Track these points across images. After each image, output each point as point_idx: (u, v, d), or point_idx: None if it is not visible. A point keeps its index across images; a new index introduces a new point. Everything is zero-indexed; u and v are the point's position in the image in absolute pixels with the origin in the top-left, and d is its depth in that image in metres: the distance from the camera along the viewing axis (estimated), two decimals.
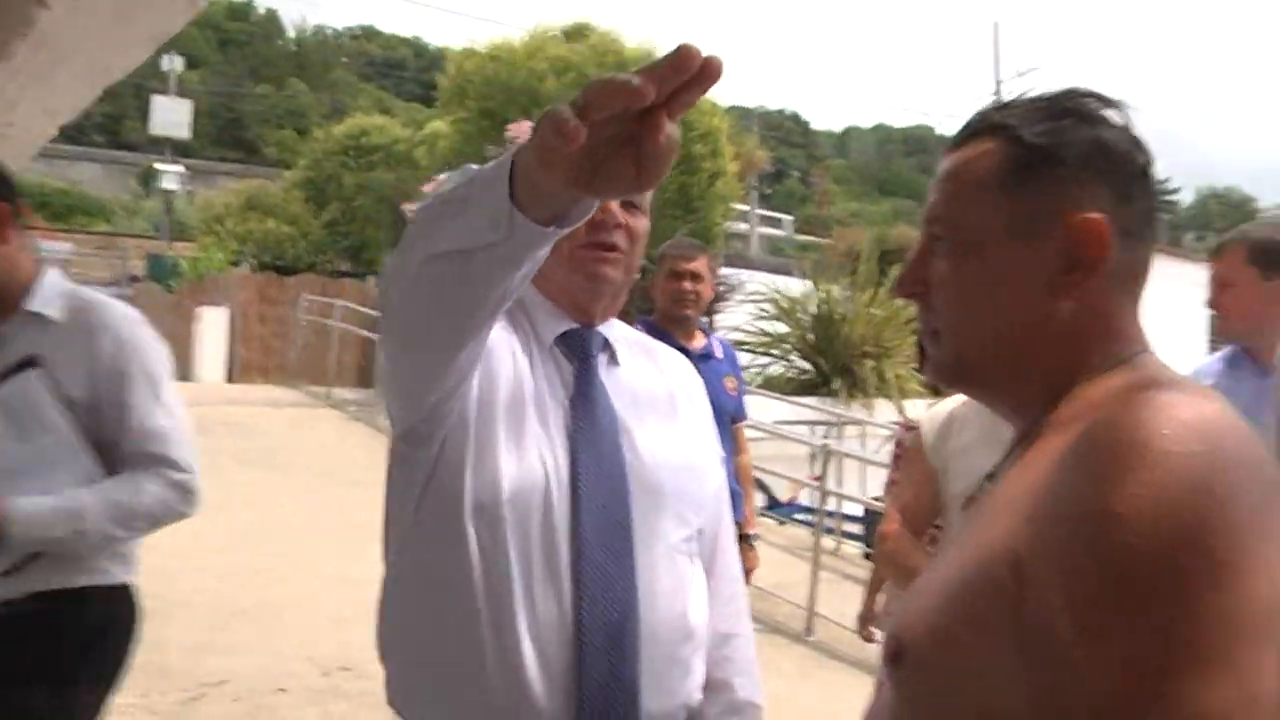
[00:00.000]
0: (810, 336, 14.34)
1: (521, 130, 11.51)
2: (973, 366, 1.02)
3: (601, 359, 1.60)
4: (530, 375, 1.52)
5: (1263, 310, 2.60)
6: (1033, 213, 0.97)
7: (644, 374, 1.65)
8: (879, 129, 77.18)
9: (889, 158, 72.14)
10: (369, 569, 6.41)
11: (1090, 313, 0.96)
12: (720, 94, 19.04)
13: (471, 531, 1.43)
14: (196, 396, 12.56)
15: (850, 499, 8.14)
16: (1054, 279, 0.96)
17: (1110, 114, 0.99)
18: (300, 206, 18.82)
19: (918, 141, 73.27)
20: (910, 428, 3.76)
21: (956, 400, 2.55)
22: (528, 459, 1.46)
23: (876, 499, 7.65)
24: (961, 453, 2.42)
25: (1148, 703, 0.74)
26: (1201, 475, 0.78)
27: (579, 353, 1.57)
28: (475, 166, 1.15)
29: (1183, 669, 0.74)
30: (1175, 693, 0.74)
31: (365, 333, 13.89)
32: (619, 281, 1.58)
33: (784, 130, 61.26)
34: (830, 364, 14.03)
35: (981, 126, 1.03)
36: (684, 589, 1.54)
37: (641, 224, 1.58)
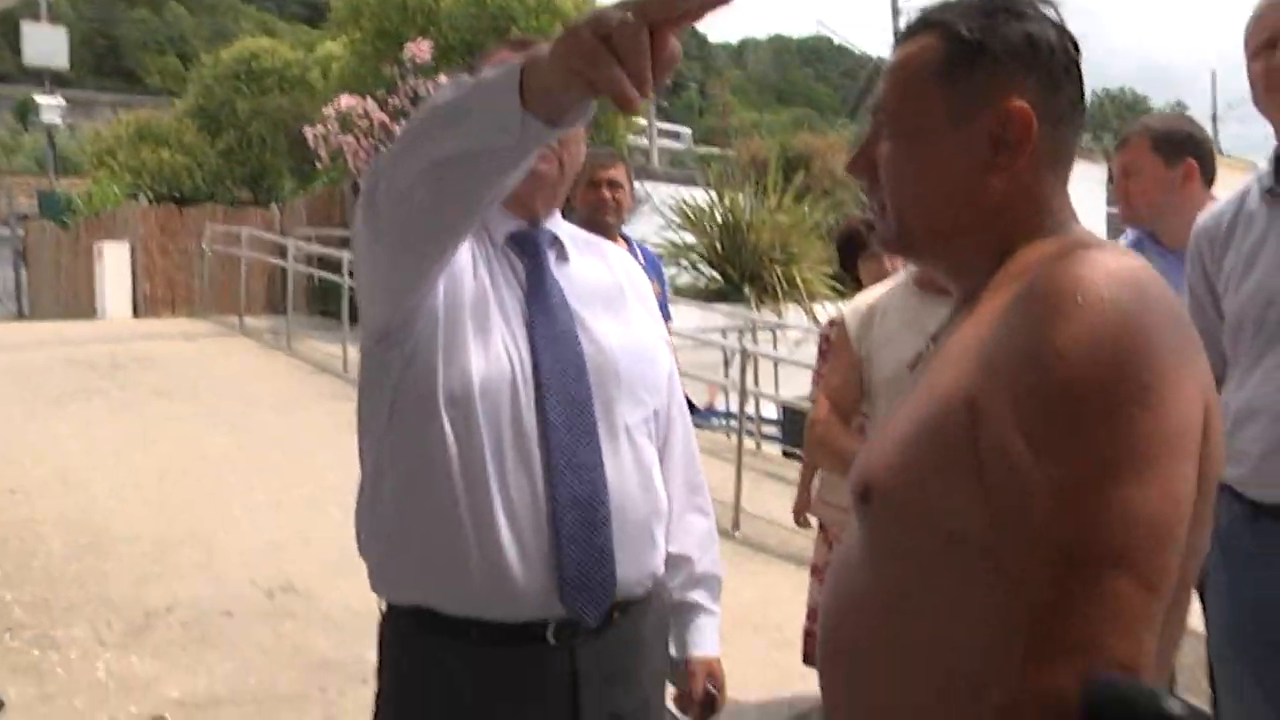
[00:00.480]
0: (718, 245, 14.45)
1: (420, 50, 11.21)
2: (916, 237, 1.15)
3: (551, 255, 1.68)
4: (488, 273, 1.61)
5: (1165, 194, 2.78)
6: (966, 101, 1.08)
7: (593, 267, 1.74)
8: (775, 40, 76.77)
9: (786, 68, 71.92)
10: (299, 493, 6.55)
11: (1021, 190, 1.09)
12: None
13: (446, 424, 1.52)
14: (106, 333, 12.30)
15: (768, 397, 8.34)
16: (986, 160, 1.08)
17: (1041, 9, 1.09)
18: (194, 136, 18.17)
19: (814, 52, 73.15)
20: (834, 323, 3.93)
21: (877, 291, 2.69)
22: (494, 351, 1.55)
23: (800, 397, 7.89)
24: (885, 341, 2.55)
25: (1089, 505, 0.88)
26: (1129, 316, 0.91)
27: (530, 250, 1.66)
28: (467, 77, 1.24)
29: (1119, 477, 0.88)
30: (1114, 497, 0.87)
31: (273, 260, 13.64)
32: (554, 177, 1.65)
33: (681, 43, 60.53)
34: (739, 271, 14.19)
35: (923, 23, 1.13)
36: (646, 466, 1.66)
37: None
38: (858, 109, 33.19)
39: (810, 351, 9.91)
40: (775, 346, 11.49)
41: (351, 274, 12.25)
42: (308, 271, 12.93)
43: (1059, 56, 1.09)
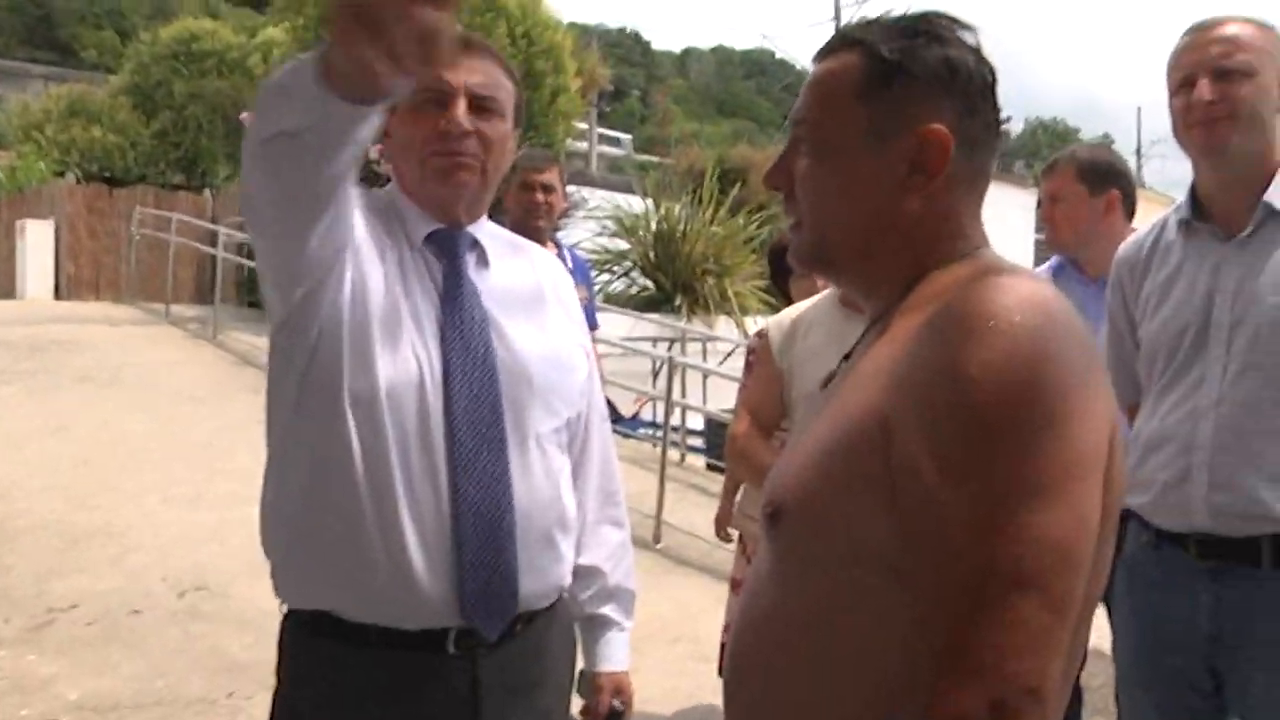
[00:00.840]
0: (652, 254, 14.48)
1: None
2: (830, 254, 1.15)
3: (470, 258, 1.66)
4: (400, 275, 1.59)
5: (1089, 222, 2.85)
6: (885, 121, 1.09)
7: (514, 271, 1.72)
8: (719, 50, 77.28)
9: (728, 79, 72.41)
10: (217, 487, 6.42)
11: (935, 212, 1.10)
12: (562, 9, 18.75)
13: (351, 423, 1.50)
14: (25, 314, 11.99)
15: (694, 409, 8.35)
16: (902, 181, 1.09)
17: (961, 35, 1.11)
18: (128, 114, 17.76)
19: (756, 64, 73.73)
20: (762, 335, 3.94)
21: (802, 306, 2.70)
22: (402, 353, 1.53)
23: (726, 410, 7.89)
24: (809, 356, 2.57)
25: (1000, 529, 0.90)
26: (1037, 342, 0.93)
27: (447, 252, 1.64)
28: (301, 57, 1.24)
29: (1026, 499, 0.90)
30: (1023, 521, 0.89)
31: (203, 248, 13.39)
32: (474, 186, 1.63)
33: (624, 49, 60.67)
34: (671, 281, 14.23)
35: (845, 41, 1.14)
36: (555, 476, 1.64)
37: (498, 128, 1.62)
38: None
39: (739, 364, 9.98)
40: (705, 358, 11.51)
41: None
42: (238, 261, 12.74)
43: (976, 81, 1.10)
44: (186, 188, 17.32)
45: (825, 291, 2.73)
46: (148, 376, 9.26)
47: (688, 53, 76.91)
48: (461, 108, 1.57)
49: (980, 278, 1.01)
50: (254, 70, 16.82)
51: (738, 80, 72.69)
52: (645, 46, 71.50)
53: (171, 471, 6.62)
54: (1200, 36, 2.06)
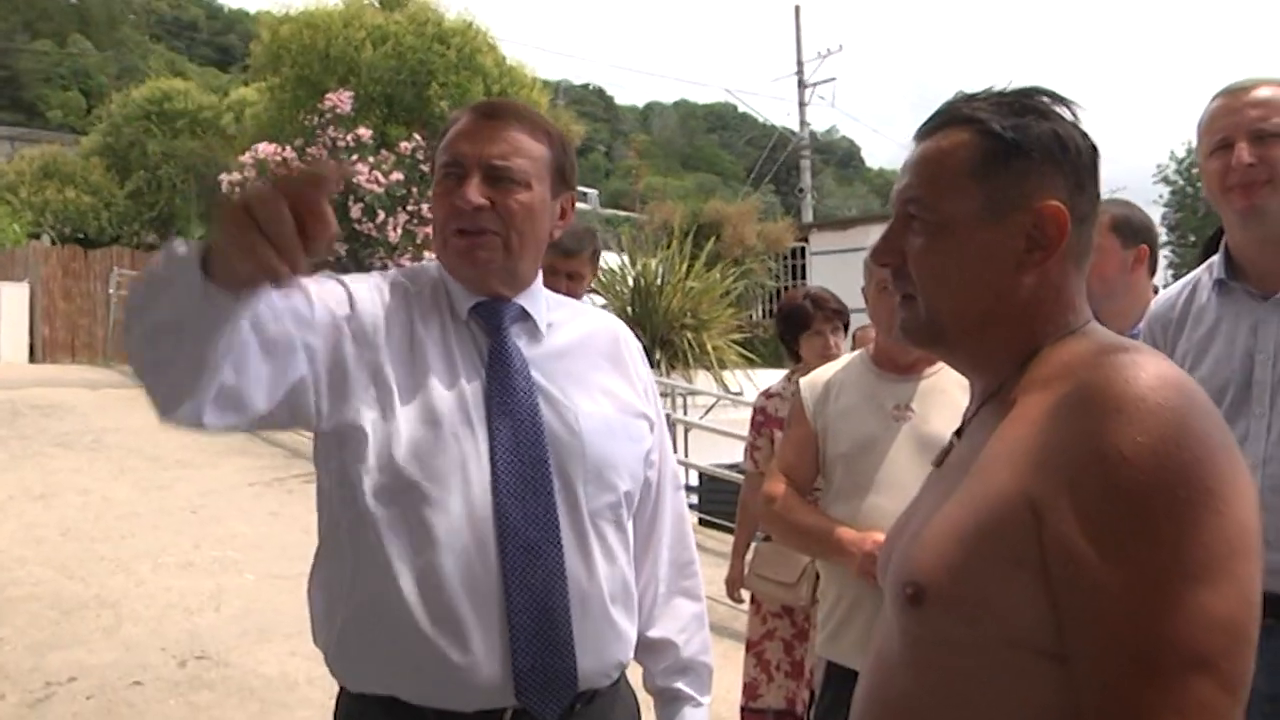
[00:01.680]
0: (630, 309, 14.50)
1: (340, 100, 11.12)
2: (944, 331, 1.16)
3: (518, 329, 1.62)
4: (443, 351, 1.56)
5: (1119, 273, 2.87)
6: (1001, 198, 1.10)
7: (573, 339, 1.68)
8: (681, 105, 78.02)
9: (691, 133, 73.08)
10: (207, 554, 6.30)
11: (1049, 287, 1.11)
12: (535, 67, 18.94)
13: (394, 509, 1.47)
14: (2, 378, 11.80)
15: (691, 465, 8.31)
16: (1020, 258, 1.10)
17: (1060, 110, 1.13)
18: (101, 175, 17.72)
19: (719, 118, 74.49)
20: (770, 395, 3.95)
21: (833, 368, 2.71)
22: (441, 434, 1.50)
23: (718, 465, 7.88)
24: (841, 416, 2.58)
25: (1169, 610, 0.89)
26: (1187, 421, 0.94)
27: (493, 325, 1.60)
28: (180, 243, 1.23)
29: (1193, 579, 0.90)
30: (1190, 601, 0.89)
31: None
32: (498, 261, 1.57)
33: (588, 104, 61.24)
34: (650, 336, 14.21)
35: (954, 119, 1.15)
36: (611, 550, 1.59)
37: (520, 198, 1.57)
38: (761, 179, 33.79)
39: (721, 419, 9.95)
40: (685, 413, 11.51)
41: None
42: None
43: (1085, 157, 1.13)
44: (160, 247, 17.24)
45: (855, 352, 2.75)
46: (129, 441, 9.13)
47: (650, 107, 77.69)
48: (474, 182, 1.54)
49: (1110, 355, 1.02)
50: (226, 129, 16.84)
51: (701, 134, 73.45)
52: (609, 101, 72.20)
53: (160, 538, 6.52)
54: (1235, 100, 2.10)
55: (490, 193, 1.55)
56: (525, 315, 1.63)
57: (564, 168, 1.65)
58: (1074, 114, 1.15)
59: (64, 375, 12.73)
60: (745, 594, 3.83)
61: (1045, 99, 1.14)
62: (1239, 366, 2.08)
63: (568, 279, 3.58)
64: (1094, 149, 1.14)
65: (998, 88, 1.18)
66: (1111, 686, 0.91)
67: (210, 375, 1.28)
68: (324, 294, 1.50)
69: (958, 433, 1.22)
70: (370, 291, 1.56)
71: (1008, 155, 1.10)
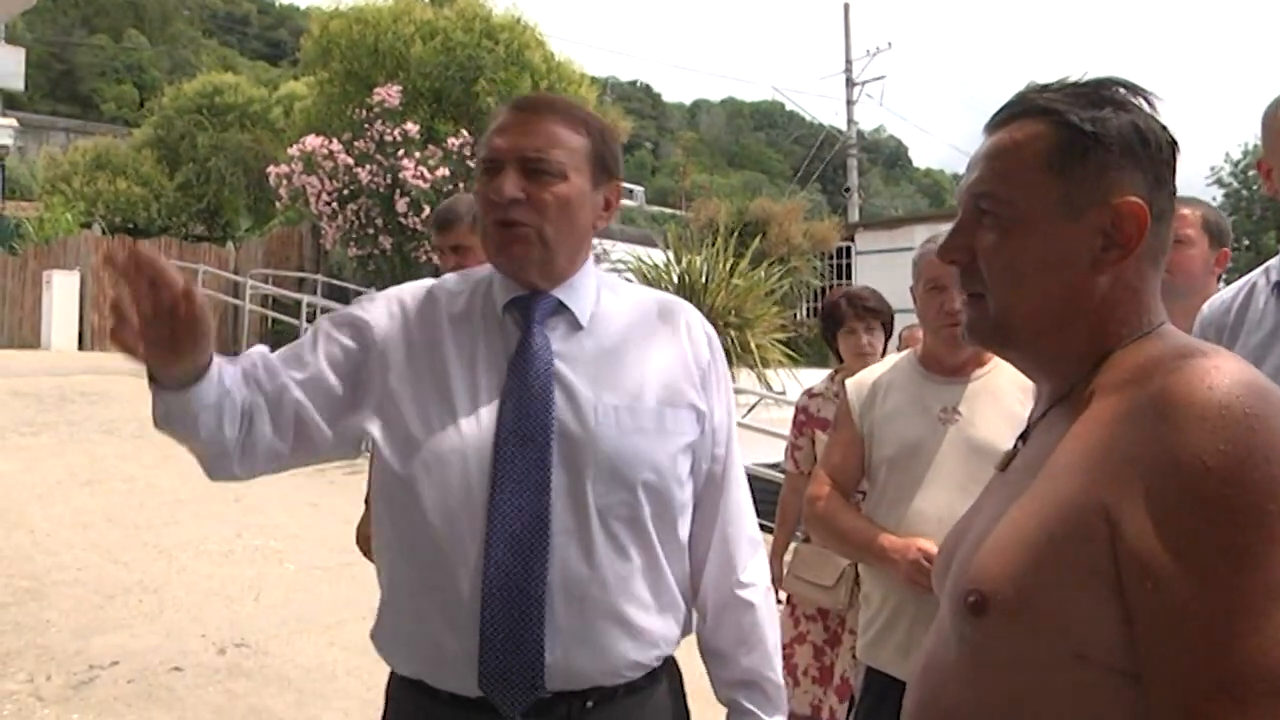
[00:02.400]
0: None
1: (389, 95, 11.23)
2: (1014, 332, 1.10)
3: (554, 321, 1.61)
4: (468, 348, 1.60)
5: (1203, 272, 2.79)
6: (1080, 194, 1.05)
7: (617, 330, 1.65)
8: (728, 102, 77.82)
9: (738, 131, 72.83)
10: (249, 542, 6.34)
11: (1125, 286, 1.06)
12: (582, 64, 19.01)
13: (401, 498, 1.54)
14: (53, 365, 12.01)
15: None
16: (1096, 256, 1.05)
17: (1139, 101, 1.07)
18: (152, 167, 17.97)
19: (766, 116, 74.27)
20: (813, 395, 3.91)
21: (880, 368, 2.66)
22: (447, 426, 1.54)
23: (759, 465, 7.82)
24: (887, 419, 2.52)
25: (1255, 630, 0.85)
26: (1271, 431, 0.89)
27: (525, 317, 1.60)
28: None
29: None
30: (1277, 621, 0.85)
31: (227, 299, 13.44)
32: (535, 254, 1.57)
33: (635, 101, 61.28)
34: None
35: (1026, 108, 1.10)
36: (624, 549, 1.55)
37: (556, 190, 1.56)
38: (808, 177, 33.63)
39: (763, 418, 9.88)
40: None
41: (308, 317, 12.14)
42: (261, 312, 12.76)
43: (1164, 151, 1.07)
44: (209, 239, 17.46)
45: (904, 353, 2.70)
46: None
47: (698, 105, 77.56)
48: (510, 176, 1.55)
49: (1189, 358, 0.97)
50: (275, 123, 17.01)
51: (748, 132, 73.23)
52: (656, 99, 72.21)
53: (202, 526, 6.58)
54: None
55: (526, 185, 1.55)
56: (562, 308, 1.62)
57: (605, 157, 1.63)
58: (1152, 105, 1.09)
59: (111, 363, 12.86)
60: (782, 595, 3.79)
61: (1122, 89, 1.09)
62: None
63: (454, 253, 3.35)
64: (1173, 142, 1.09)
65: (1071, 78, 1.12)
66: (1192, 711, 0.86)
67: (217, 445, 1.49)
68: (334, 330, 1.64)
69: (1023, 436, 1.17)
70: (384, 307, 1.65)
71: (1085, 148, 1.05)
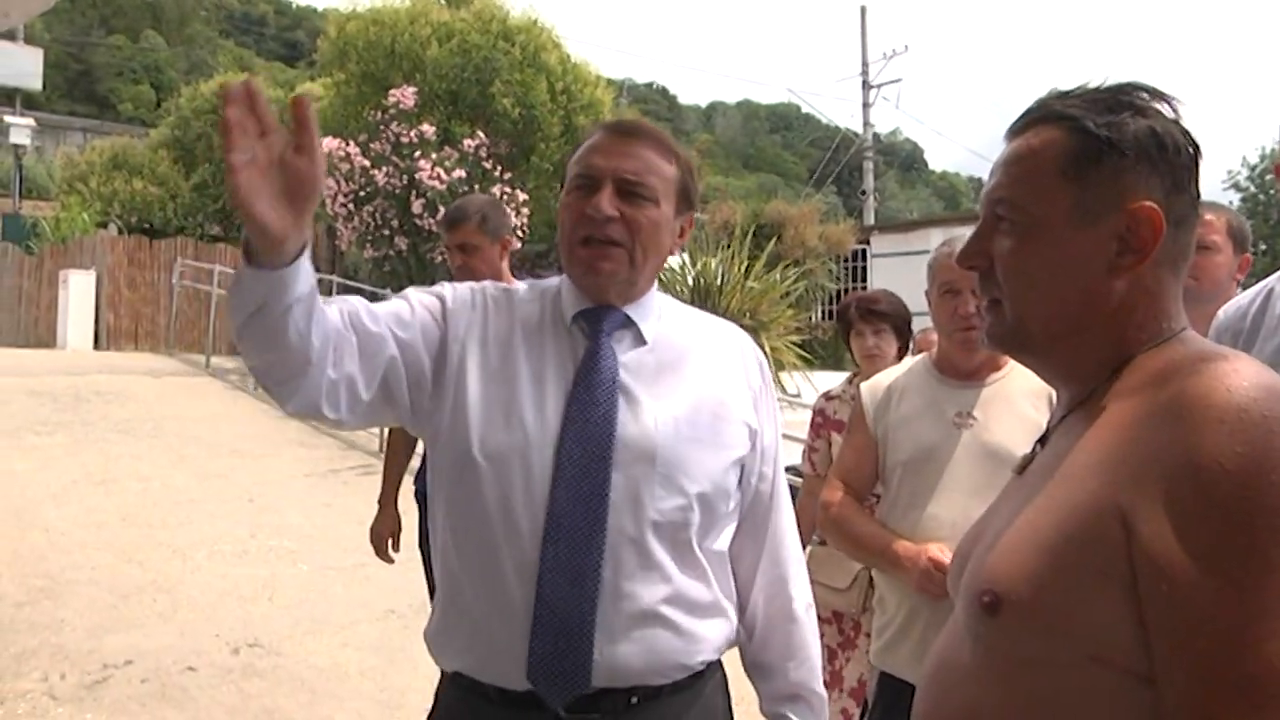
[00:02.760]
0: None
1: (405, 96, 11.28)
2: (1032, 338, 1.11)
3: (620, 334, 1.66)
4: (537, 352, 1.64)
5: (1227, 278, 2.77)
6: (1095, 199, 1.05)
7: (679, 347, 1.70)
8: (744, 105, 77.71)
9: (754, 134, 72.72)
10: (263, 543, 6.38)
11: (1142, 292, 1.06)
12: (598, 66, 19.04)
13: (460, 490, 1.58)
14: (68, 365, 12.07)
15: None
16: (1112, 261, 1.05)
17: (1159, 106, 1.07)
18: (168, 167, 18.03)
19: (781, 118, 74.12)
20: (830, 397, 3.90)
21: (895, 372, 2.65)
22: (512, 424, 1.57)
23: (787, 468, 7.77)
24: (902, 423, 2.51)
25: (1272, 638, 0.85)
26: None
27: (592, 329, 1.65)
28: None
29: None
30: None
31: None
32: (622, 273, 1.63)
33: (651, 103, 61.25)
34: None
35: (1044, 115, 1.10)
36: (679, 553, 1.60)
37: (649, 214, 1.62)
38: (823, 180, 33.57)
39: (782, 419, 9.88)
40: None
41: None
42: None
43: (1183, 156, 1.07)
44: (225, 239, 17.52)
45: (919, 357, 2.69)
46: (189, 429, 9.27)
47: (713, 107, 77.48)
48: (607, 194, 1.60)
49: (1209, 361, 0.97)
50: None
51: (763, 135, 73.12)
52: (672, 100, 72.17)
53: (217, 526, 6.60)
54: None
55: (621, 206, 1.61)
56: (629, 322, 1.67)
57: (688, 189, 1.70)
58: (1175, 110, 1.08)
59: (127, 363, 12.97)
60: None
61: (1144, 95, 1.09)
62: None
63: (461, 251, 3.34)
64: (1195, 147, 1.08)
65: (1094, 83, 1.12)
66: (1207, 715, 0.86)
67: (303, 354, 1.42)
68: (426, 301, 1.65)
69: (1041, 440, 1.17)
70: (468, 295, 1.68)
71: (1100, 154, 1.05)
